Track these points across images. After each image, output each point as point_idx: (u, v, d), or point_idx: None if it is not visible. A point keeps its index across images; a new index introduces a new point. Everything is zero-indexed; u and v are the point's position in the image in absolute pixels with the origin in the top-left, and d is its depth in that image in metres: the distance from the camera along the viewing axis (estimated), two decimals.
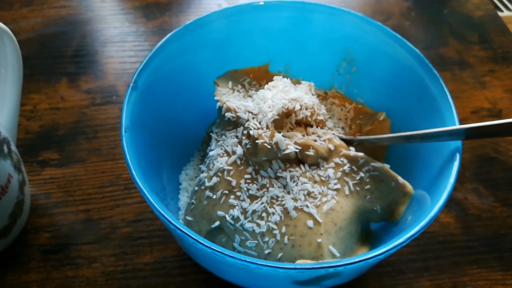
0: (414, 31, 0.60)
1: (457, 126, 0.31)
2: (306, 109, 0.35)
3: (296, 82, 0.40)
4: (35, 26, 0.58)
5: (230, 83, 0.40)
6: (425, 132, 0.32)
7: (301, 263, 0.29)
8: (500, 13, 0.72)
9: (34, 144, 0.46)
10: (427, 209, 0.28)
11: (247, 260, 0.24)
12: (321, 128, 0.36)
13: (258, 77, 0.42)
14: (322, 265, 0.24)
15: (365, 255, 0.25)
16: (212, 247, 0.25)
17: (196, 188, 0.35)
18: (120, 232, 0.41)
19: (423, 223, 0.26)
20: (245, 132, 0.34)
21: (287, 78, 0.38)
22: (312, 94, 0.37)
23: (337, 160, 0.34)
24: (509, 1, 0.75)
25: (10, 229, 0.37)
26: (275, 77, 0.37)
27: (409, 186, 0.34)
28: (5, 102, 0.39)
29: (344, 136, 0.37)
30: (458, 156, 0.30)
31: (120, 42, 0.56)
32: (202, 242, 0.25)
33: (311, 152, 0.34)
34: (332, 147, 0.35)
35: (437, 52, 0.58)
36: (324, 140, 0.35)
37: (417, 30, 0.60)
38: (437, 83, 0.34)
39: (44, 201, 0.43)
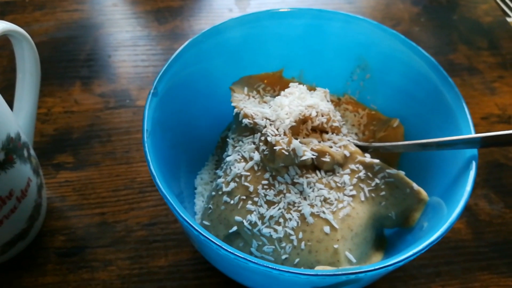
0: (424, 37, 0.60)
1: (473, 134, 0.31)
2: (322, 116, 0.36)
3: (311, 88, 0.40)
4: (48, 30, 0.58)
5: (245, 89, 0.40)
6: (440, 140, 0.32)
7: (320, 269, 0.29)
8: (508, 19, 0.72)
9: (49, 147, 0.47)
10: (444, 216, 0.29)
11: (270, 266, 0.25)
12: (336, 134, 0.37)
13: (273, 83, 0.42)
14: (344, 272, 0.25)
15: (385, 262, 0.25)
16: (236, 253, 0.25)
17: (213, 193, 0.35)
18: (135, 236, 0.42)
19: (441, 231, 0.27)
20: (262, 138, 0.34)
21: (303, 85, 0.38)
22: (327, 101, 0.38)
23: (352, 166, 0.35)
24: None
25: (28, 231, 0.38)
26: (291, 84, 0.37)
27: (423, 193, 0.34)
28: (23, 106, 0.39)
29: (359, 143, 0.38)
30: (474, 164, 0.30)
31: (132, 46, 0.57)
32: (225, 248, 0.25)
33: (327, 159, 0.34)
34: (347, 154, 0.35)
35: (446, 58, 0.58)
36: (340, 147, 0.35)
37: (427, 36, 0.61)
38: (452, 91, 0.34)
39: (60, 204, 0.43)
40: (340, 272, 0.25)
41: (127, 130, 0.49)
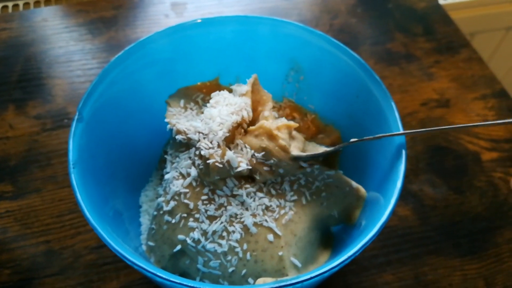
0: (361, 28, 0.61)
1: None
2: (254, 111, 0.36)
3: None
4: None
5: (182, 102, 0.39)
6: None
7: (261, 281, 0.30)
8: (441, 1, 0.74)
9: None
10: (377, 215, 0.30)
11: (200, 286, 0.25)
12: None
13: (211, 92, 0.41)
14: (280, 284, 0.25)
15: (318, 270, 0.26)
16: (171, 279, 0.25)
17: (155, 213, 0.35)
18: (84, 260, 0.41)
19: (371, 234, 0.27)
20: (197, 152, 0.34)
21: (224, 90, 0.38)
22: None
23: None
24: None
25: None
26: (212, 94, 0.37)
27: (362, 190, 0.35)
28: None
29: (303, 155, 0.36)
30: (403, 158, 0.31)
31: (66, 62, 0.55)
32: (160, 275, 0.25)
33: (258, 176, 0.34)
34: (282, 171, 0.35)
35: (384, 48, 0.59)
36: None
37: (364, 27, 0.61)
38: (379, 88, 0.35)
39: (2, 236, 0.42)
40: (276, 285, 0.25)
41: (67, 151, 0.47)
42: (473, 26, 0.82)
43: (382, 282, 0.41)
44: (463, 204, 0.46)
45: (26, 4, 0.65)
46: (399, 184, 0.29)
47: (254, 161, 0.33)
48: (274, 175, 0.34)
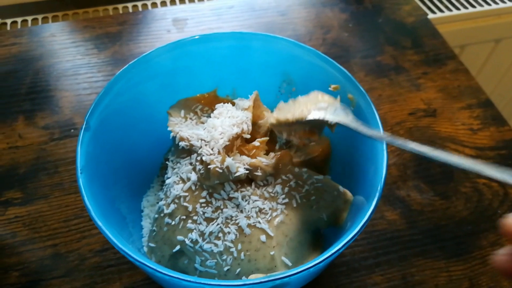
0: (353, 42, 0.64)
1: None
2: (253, 125, 0.38)
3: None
4: None
5: (182, 112, 0.42)
6: None
7: (253, 277, 0.32)
8: (431, 15, 0.77)
9: None
10: (362, 216, 0.32)
11: (201, 282, 0.27)
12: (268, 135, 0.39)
13: (209, 103, 0.44)
14: (270, 278, 0.27)
15: (304, 266, 0.28)
16: (169, 274, 0.27)
17: (156, 215, 0.37)
18: (89, 263, 0.43)
19: (351, 235, 0.30)
20: (198, 158, 0.36)
21: (228, 102, 0.41)
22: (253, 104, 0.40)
23: (284, 177, 0.37)
24: (439, 1, 0.81)
25: None
26: (217, 105, 0.40)
27: (349, 194, 0.37)
28: None
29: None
30: (384, 167, 0.33)
31: (73, 75, 0.58)
32: (160, 270, 0.27)
33: (259, 172, 0.37)
34: (278, 163, 0.38)
35: (375, 60, 0.62)
36: (273, 157, 0.38)
37: (355, 40, 0.65)
38: (363, 98, 0.37)
39: (11, 240, 0.44)
40: (266, 279, 0.27)
41: (74, 159, 0.50)
42: (463, 39, 0.85)
43: (371, 283, 0.43)
44: (449, 208, 0.49)
45: (35, 20, 0.68)
46: (380, 186, 0.32)
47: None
48: (272, 167, 0.37)
